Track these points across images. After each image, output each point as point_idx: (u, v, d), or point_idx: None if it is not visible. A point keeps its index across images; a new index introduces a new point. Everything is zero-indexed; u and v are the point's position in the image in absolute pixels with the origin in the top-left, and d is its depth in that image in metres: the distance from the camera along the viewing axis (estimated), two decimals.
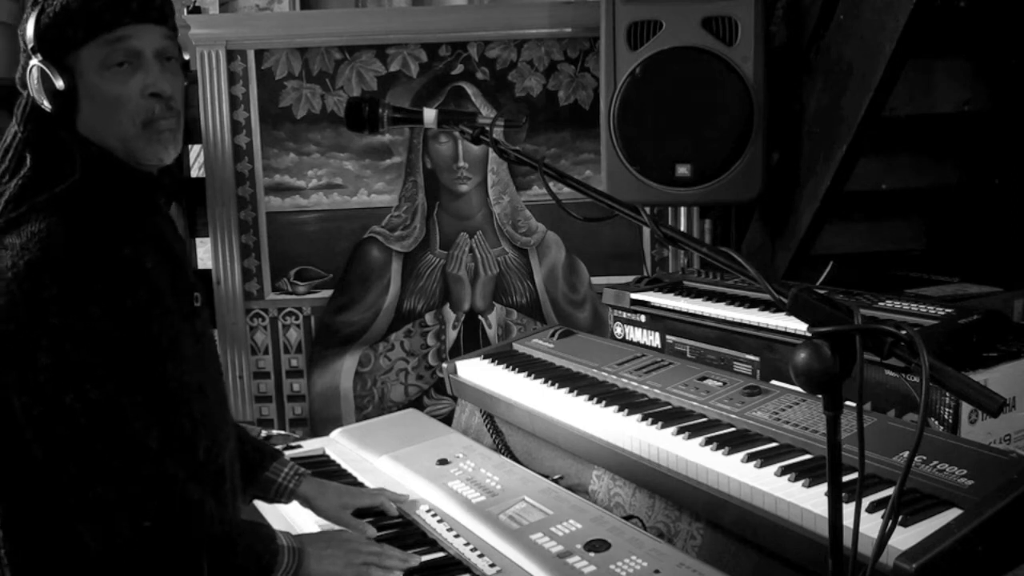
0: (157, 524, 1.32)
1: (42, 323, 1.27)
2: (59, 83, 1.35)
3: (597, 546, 1.51)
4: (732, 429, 1.67)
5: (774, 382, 1.84)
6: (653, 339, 2.25)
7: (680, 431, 1.66)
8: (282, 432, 2.31)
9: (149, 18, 1.38)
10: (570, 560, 1.48)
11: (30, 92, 1.39)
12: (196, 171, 3.48)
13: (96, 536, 1.31)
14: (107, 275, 1.32)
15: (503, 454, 2.07)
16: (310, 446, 2.20)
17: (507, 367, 2.16)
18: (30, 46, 1.37)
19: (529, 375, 2.07)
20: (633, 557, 1.47)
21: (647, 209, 1.31)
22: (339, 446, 2.18)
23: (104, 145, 1.39)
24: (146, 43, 1.38)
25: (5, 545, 1.34)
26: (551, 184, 1.44)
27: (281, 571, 1.44)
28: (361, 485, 1.93)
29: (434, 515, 1.72)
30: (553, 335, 2.31)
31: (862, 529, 1.01)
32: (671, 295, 2.24)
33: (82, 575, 1.37)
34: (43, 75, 1.36)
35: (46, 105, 1.37)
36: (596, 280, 3.22)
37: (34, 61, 1.37)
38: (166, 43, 1.41)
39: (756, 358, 1.96)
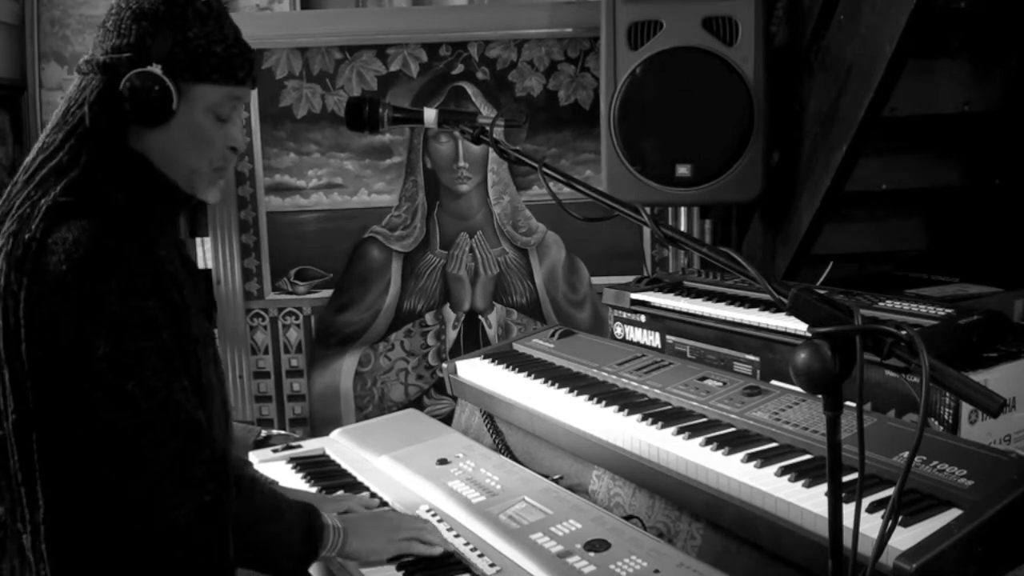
0: (215, 499, 1.36)
1: (101, 314, 1.30)
2: (174, 104, 1.39)
3: (597, 546, 1.52)
4: (732, 429, 1.67)
5: (774, 382, 1.84)
6: (653, 339, 2.25)
7: (680, 431, 1.66)
8: (282, 432, 2.30)
9: (254, 84, 1.51)
10: (570, 560, 1.48)
11: (119, 86, 1.38)
12: None
13: (158, 516, 1.34)
14: (153, 272, 1.37)
15: (503, 454, 2.07)
16: (310, 446, 2.20)
17: (507, 367, 2.16)
18: (153, 53, 1.38)
19: (529, 375, 2.06)
20: (633, 557, 1.47)
21: (647, 209, 1.31)
22: (339, 446, 2.18)
23: (166, 166, 1.44)
24: (244, 104, 1.52)
25: (47, 540, 1.35)
26: (551, 184, 1.45)
27: (327, 547, 1.52)
28: (361, 484, 1.94)
29: (434, 515, 1.72)
30: (553, 335, 2.31)
31: (862, 529, 1.01)
32: (671, 295, 2.24)
33: (123, 566, 1.39)
34: (151, 84, 1.37)
35: (146, 107, 1.38)
36: (596, 280, 3.22)
37: (154, 69, 1.37)
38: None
39: (756, 358, 1.96)
